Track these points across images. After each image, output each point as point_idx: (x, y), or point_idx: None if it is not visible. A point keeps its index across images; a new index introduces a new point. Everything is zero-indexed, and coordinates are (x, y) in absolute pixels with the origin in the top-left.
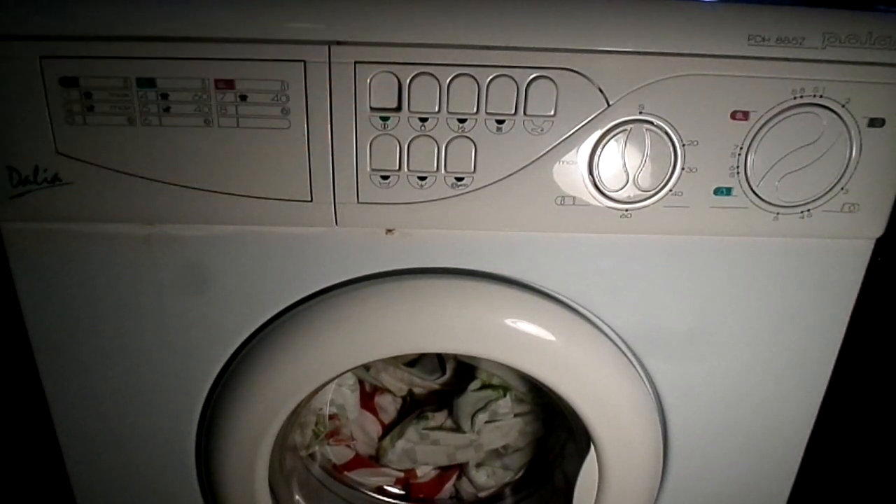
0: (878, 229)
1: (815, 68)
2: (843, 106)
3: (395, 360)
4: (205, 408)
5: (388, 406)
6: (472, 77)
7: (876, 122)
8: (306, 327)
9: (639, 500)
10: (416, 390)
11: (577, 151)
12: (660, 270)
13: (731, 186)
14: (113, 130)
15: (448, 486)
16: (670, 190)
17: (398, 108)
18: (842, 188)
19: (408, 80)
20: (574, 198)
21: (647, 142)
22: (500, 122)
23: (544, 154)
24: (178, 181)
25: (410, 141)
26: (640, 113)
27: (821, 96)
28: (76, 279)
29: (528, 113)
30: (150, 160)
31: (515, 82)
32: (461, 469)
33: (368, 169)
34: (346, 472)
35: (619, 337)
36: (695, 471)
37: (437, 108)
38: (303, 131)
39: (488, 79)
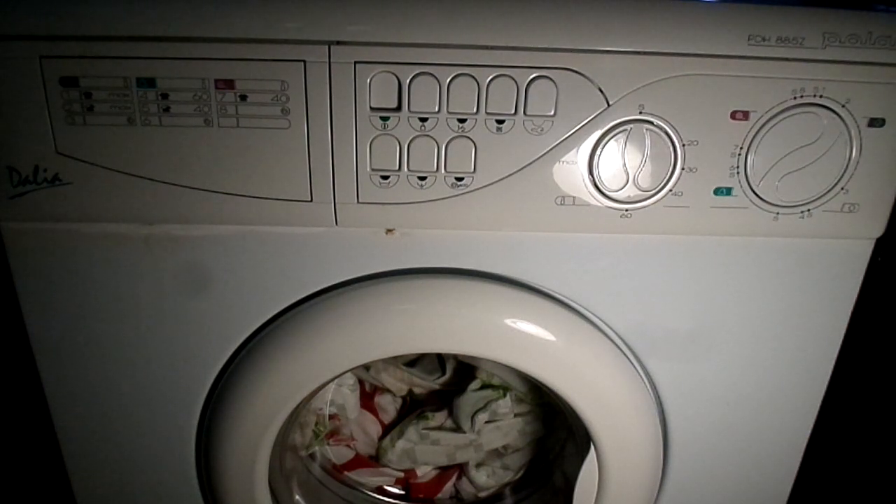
0: (878, 229)
1: (815, 68)
2: (843, 106)
3: (395, 360)
4: (205, 408)
5: (388, 406)
6: (472, 77)
7: (876, 122)
8: (306, 327)
9: (639, 500)
10: (416, 390)
11: (577, 151)
12: (660, 270)
13: (731, 186)
14: (113, 130)
15: (448, 486)
16: (670, 190)
17: (398, 108)
18: (842, 188)
19: (408, 80)
20: (574, 198)
21: (647, 142)
22: (500, 122)
23: (544, 154)
24: (178, 181)
25: (410, 141)
26: (640, 113)
27: (821, 96)
28: (76, 279)
29: (528, 113)
30: (150, 160)
31: (515, 82)
32: (461, 469)
33: (368, 169)
34: (346, 472)
35: (619, 337)
36: (695, 471)
37: (437, 108)
38: (303, 131)
39: (488, 79)
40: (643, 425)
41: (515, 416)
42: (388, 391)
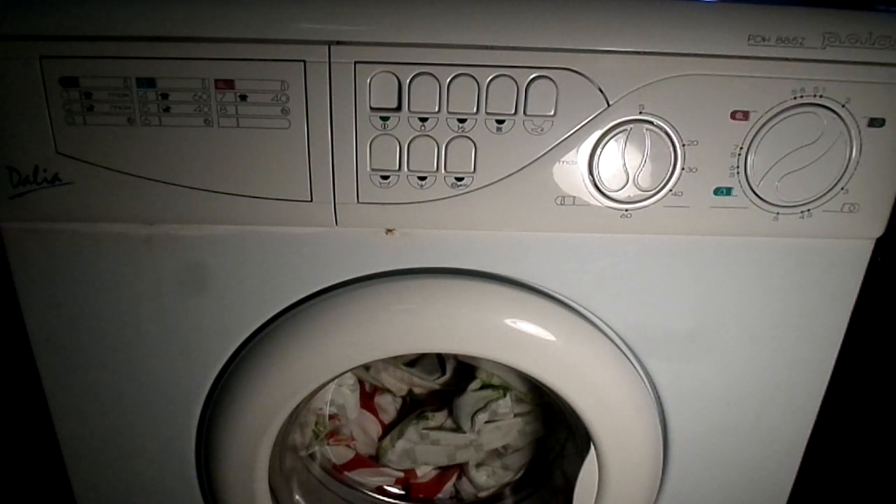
0: (878, 229)
1: (815, 68)
2: (843, 106)
3: (395, 360)
4: (205, 408)
5: (388, 406)
6: (472, 77)
7: (876, 122)
8: (306, 327)
9: (639, 500)
10: (416, 390)
11: (577, 151)
12: (660, 270)
13: (731, 186)
14: (113, 130)
15: (448, 486)
16: (670, 190)
17: (398, 108)
18: (842, 188)
19: (408, 80)
20: (574, 198)
21: (647, 142)
22: (500, 122)
23: (544, 154)
24: (178, 181)
25: (410, 141)
26: (640, 113)
27: (821, 96)
28: (76, 279)
29: (528, 113)
30: (150, 160)
31: (515, 82)
32: (461, 469)
33: (368, 169)
34: (346, 472)
35: (619, 337)
36: (695, 471)
37: (437, 108)
38: (303, 131)
39: (488, 79)
40: (643, 425)
41: (515, 416)
42: (388, 391)
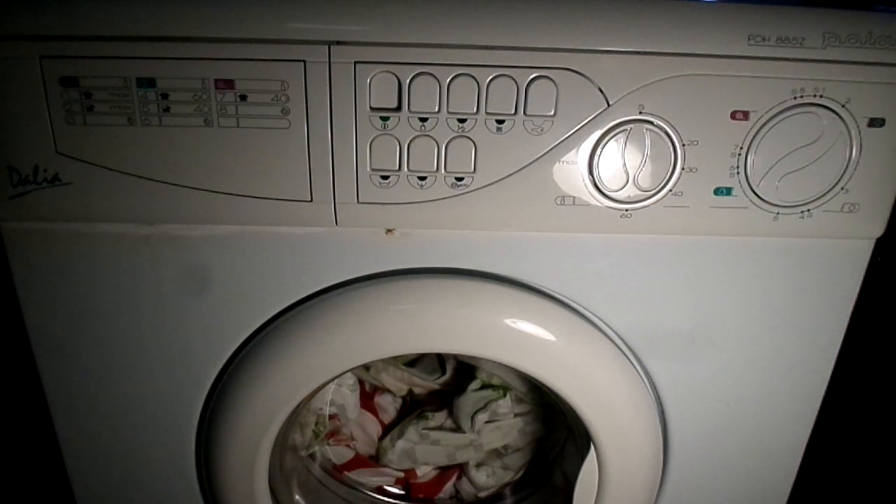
0: (878, 229)
1: (815, 68)
2: (843, 106)
3: (395, 360)
4: (205, 408)
5: (388, 406)
6: (472, 77)
7: (876, 122)
8: (306, 327)
9: (639, 500)
10: (416, 390)
11: (577, 151)
12: (660, 270)
13: (731, 186)
14: (113, 130)
15: (448, 486)
16: (670, 190)
17: (398, 108)
18: (842, 188)
19: (408, 80)
20: (574, 198)
21: (647, 142)
22: (500, 122)
23: (544, 154)
24: (178, 181)
25: (410, 141)
26: (640, 113)
27: (821, 96)
28: (76, 279)
29: (528, 113)
30: (150, 160)
31: (515, 82)
32: (461, 469)
33: (368, 169)
34: (346, 472)
35: (619, 337)
36: (695, 471)
37: (437, 108)
38: (303, 131)
39: (488, 79)
40: (643, 425)
41: (515, 416)
42: (388, 391)
